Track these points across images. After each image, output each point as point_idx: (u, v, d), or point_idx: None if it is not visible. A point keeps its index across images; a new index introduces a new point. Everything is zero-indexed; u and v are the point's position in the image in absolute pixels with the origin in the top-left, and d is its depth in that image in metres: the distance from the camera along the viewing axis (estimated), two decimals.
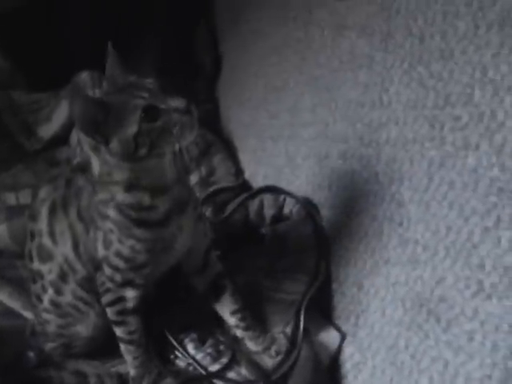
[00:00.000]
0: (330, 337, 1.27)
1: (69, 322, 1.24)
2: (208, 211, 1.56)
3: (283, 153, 1.59)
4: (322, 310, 1.32)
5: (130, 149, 0.96)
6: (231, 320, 1.25)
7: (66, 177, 1.18)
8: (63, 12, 2.04)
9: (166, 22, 2.03)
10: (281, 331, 1.25)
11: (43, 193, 1.21)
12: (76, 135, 1.77)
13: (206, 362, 1.23)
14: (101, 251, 1.11)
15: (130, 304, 1.16)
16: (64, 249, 1.16)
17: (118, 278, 1.13)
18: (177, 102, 0.96)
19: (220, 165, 1.75)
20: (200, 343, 1.27)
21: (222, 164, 1.76)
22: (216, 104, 1.94)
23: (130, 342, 1.19)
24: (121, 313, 1.17)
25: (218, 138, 1.82)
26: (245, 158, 1.81)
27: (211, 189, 1.66)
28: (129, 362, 1.22)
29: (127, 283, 1.14)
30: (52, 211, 1.16)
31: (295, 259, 1.36)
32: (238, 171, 1.77)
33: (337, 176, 1.37)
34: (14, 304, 1.44)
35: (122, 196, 1.04)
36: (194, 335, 1.28)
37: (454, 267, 1.05)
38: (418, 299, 1.11)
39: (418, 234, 1.14)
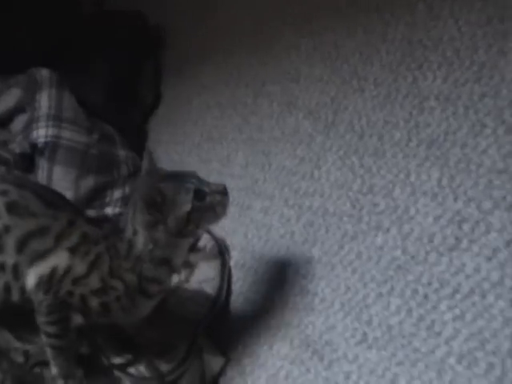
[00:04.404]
0: (215, 358, 1.44)
1: None
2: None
3: None
4: (215, 332, 1.48)
5: (182, 224, 1.16)
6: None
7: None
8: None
9: (117, 50, 2.18)
10: (179, 342, 1.40)
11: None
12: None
13: (110, 353, 1.35)
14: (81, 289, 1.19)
15: None
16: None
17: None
18: (217, 186, 1.20)
19: None
20: (107, 337, 1.38)
21: None
22: (145, 135, 2.10)
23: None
24: None
25: None
26: None
27: None
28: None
29: None
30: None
31: (199, 286, 1.53)
32: None
33: (255, 227, 1.57)
34: None
35: (149, 268, 1.20)
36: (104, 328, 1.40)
37: (345, 319, 1.27)
38: (306, 340, 1.31)
39: (318, 288, 1.36)
